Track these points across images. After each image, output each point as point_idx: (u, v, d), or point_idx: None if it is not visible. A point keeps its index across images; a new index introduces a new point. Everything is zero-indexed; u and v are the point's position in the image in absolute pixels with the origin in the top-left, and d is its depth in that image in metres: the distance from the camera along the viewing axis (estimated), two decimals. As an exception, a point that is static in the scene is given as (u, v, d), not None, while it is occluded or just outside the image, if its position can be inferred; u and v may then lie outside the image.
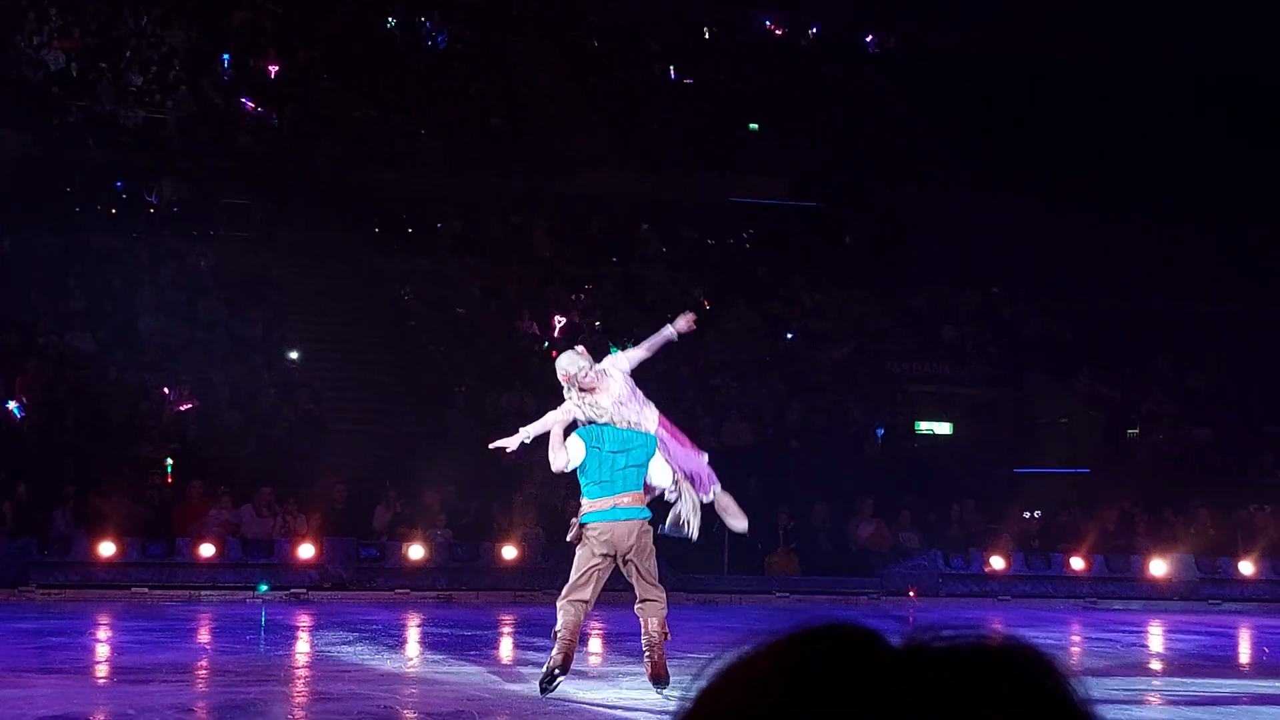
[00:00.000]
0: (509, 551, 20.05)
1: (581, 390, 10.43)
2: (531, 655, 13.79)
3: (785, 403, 25.30)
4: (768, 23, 36.15)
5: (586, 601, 10.43)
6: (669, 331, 10.81)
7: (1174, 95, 33.61)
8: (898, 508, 22.66)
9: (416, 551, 19.79)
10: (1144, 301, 29.68)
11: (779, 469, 22.95)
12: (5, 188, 25.79)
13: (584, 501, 10.44)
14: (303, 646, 14.96)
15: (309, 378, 24.15)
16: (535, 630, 15.87)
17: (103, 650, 14.46)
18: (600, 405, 10.40)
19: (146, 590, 18.77)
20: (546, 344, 25.59)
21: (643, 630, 10.47)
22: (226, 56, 29.88)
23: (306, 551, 19.48)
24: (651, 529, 10.54)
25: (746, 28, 35.85)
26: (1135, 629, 18.30)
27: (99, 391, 21.84)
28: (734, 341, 27.03)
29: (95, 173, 27.06)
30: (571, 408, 10.52)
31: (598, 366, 10.56)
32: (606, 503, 10.31)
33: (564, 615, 10.39)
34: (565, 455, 10.33)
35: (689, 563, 21.11)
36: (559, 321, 26.36)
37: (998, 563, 21.70)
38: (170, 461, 20.66)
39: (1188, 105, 33.23)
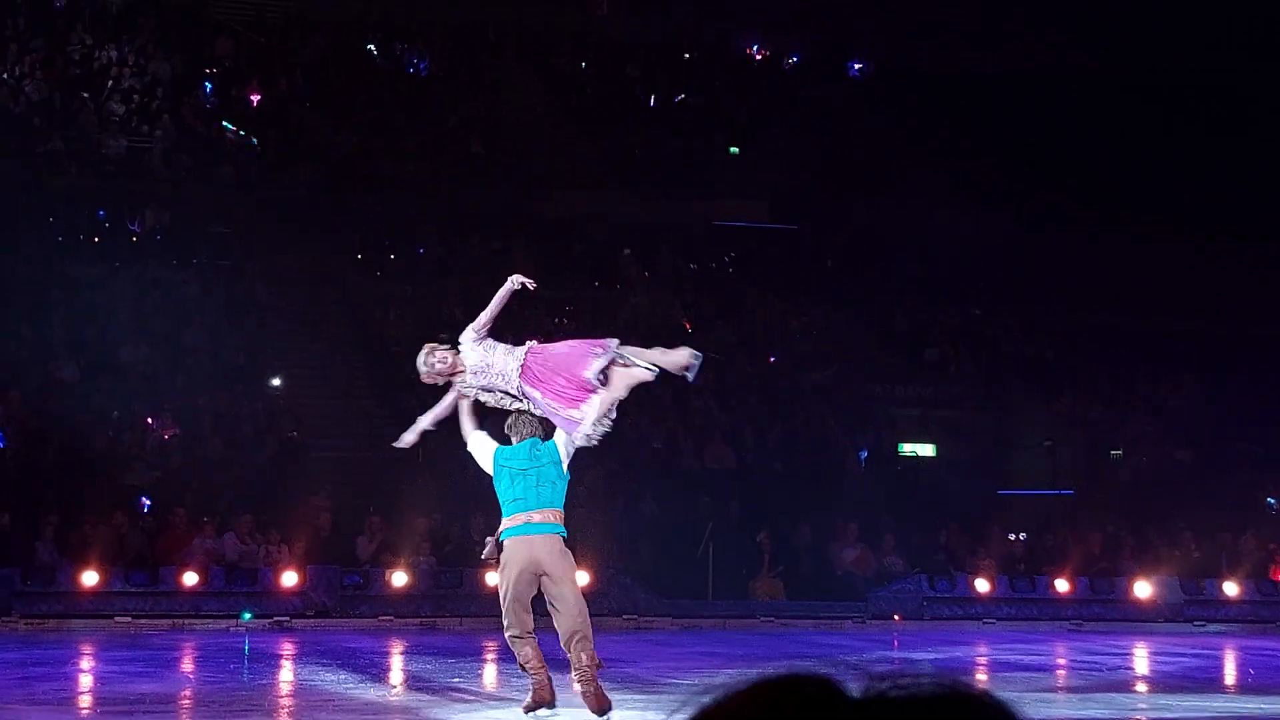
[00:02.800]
0: (493, 578, 19.96)
1: (451, 378, 10.45)
2: (516, 682, 13.75)
3: (767, 425, 25.32)
4: (750, 48, 36.22)
5: (528, 630, 10.32)
6: (506, 286, 10.65)
7: (1154, 114, 33.72)
8: (882, 531, 22.68)
9: (400, 578, 19.76)
10: (1125, 321, 29.74)
11: (761, 492, 22.96)
12: (-13, 217, 25.77)
13: (503, 520, 10.51)
14: (286, 675, 14.93)
15: (291, 404, 24.12)
16: (520, 657, 15.85)
17: (87, 680, 14.41)
18: (467, 381, 10.43)
19: (130, 619, 18.71)
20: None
21: (573, 665, 10.31)
22: (209, 85, 29.89)
23: (290, 579, 19.43)
24: (569, 550, 10.45)
25: (727, 51, 35.93)
26: (1120, 651, 18.31)
27: (82, 420, 21.78)
28: (715, 364, 27.03)
29: (77, 201, 27.03)
30: (461, 392, 10.57)
31: (445, 350, 10.51)
32: (520, 519, 10.31)
33: (517, 650, 10.42)
34: (474, 441, 10.59)
35: (673, 588, 21.13)
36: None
37: (982, 586, 21.72)
38: (147, 501, 20.56)
39: (1168, 123, 33.34)
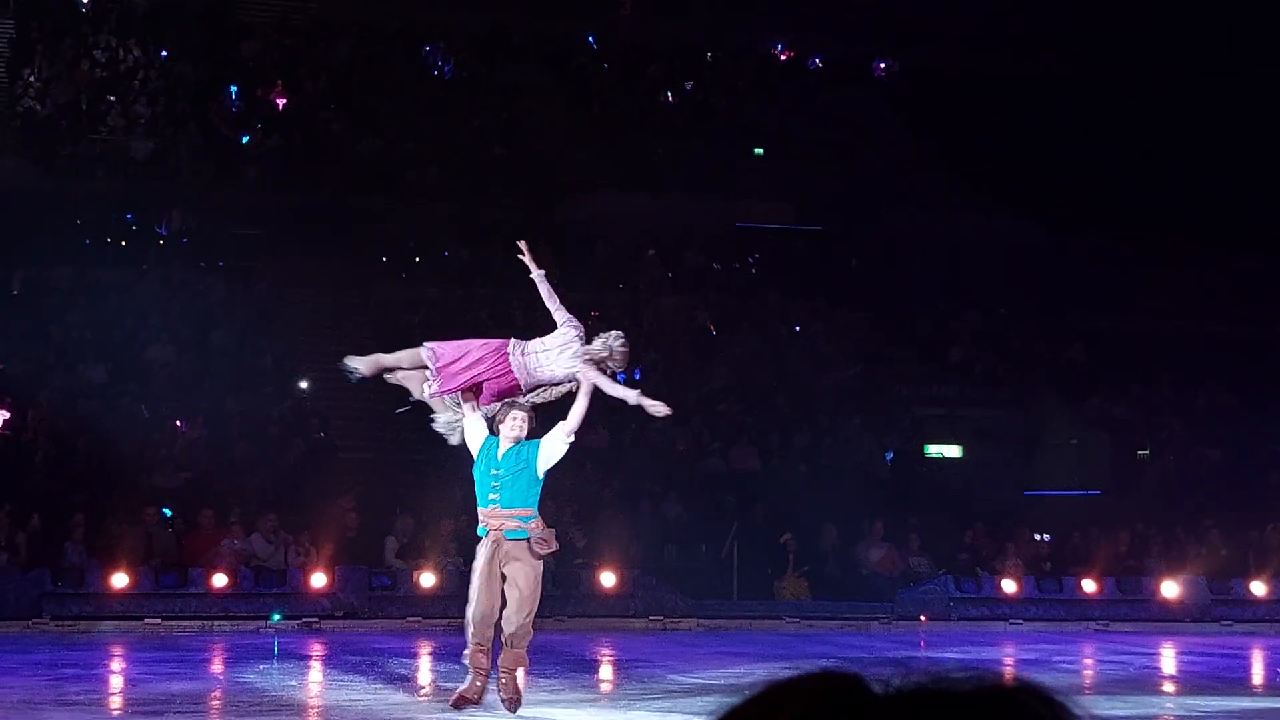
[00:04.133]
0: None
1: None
2: (544, 682, 13.82)
3: (792, 427, 25.32)
4: (774, 49, 36.23)
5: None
6: (536, 275, 12.03)
7: (1181, 117, 33.66)
8: (908, 531, 22.65)
9: (428, 579, 19.81)
10: (1151, 322, 29.68)
11: (787, 494, 22.96)
12: (16, 220, 25.91)
13: (537, 514, 11.37)
14: (315, 676, 14.99)
15: (319, 407, 24.20)
16: (545, 658, 15.89)
17: (116, 682, 14.50)
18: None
19: (159, 621, 18.80)
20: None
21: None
22: (234, 88, 30.01)
23: (319, 580, 19.50)
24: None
25: (750, 53, 35.94)
26: (1148, 651, 18.29)
27: (110, 422, 21.90)
28: (740, 366, 27.06)
29: (105, 205, 27.17)
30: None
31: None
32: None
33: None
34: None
35: (698, 588, 21.16)
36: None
37: (1009, 586, 21.68)
38: (168, 511, 20.63)
39: (1197, 127, 33.27)
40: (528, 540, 10.95)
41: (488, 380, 11.12)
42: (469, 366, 11.11)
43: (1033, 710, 1.31)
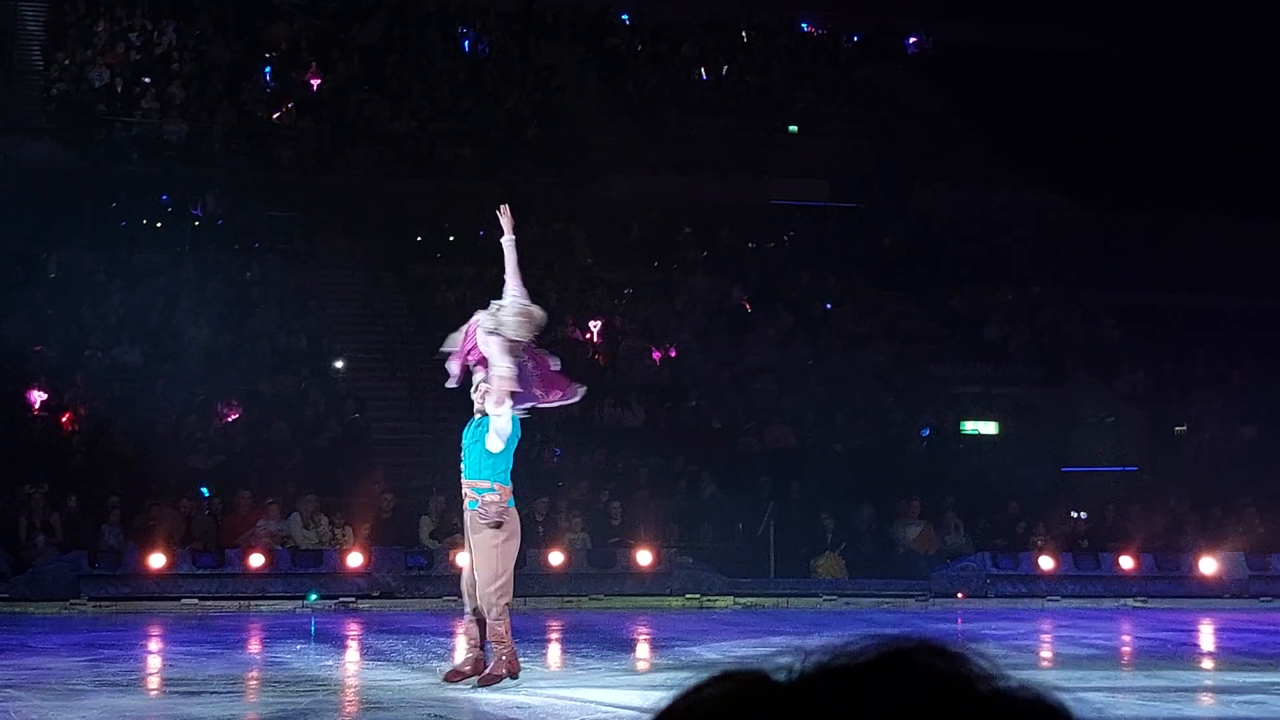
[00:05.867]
0: (555, 557, 20.08)
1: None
2: (579, 661, 13.84)
3: (828, 406, 25.26)
4: (805, 26, 36.09)
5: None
6: (506, 240, 11.53)
7: (1217, 90, 33.42)
8: (944, 509, 22.58)
9: (463, 559, 19.79)
10: (1187, 298, 29.51)
11: (823, 472, 22.92)
12: (51, 203, 26.04)
13: (501, 488, 11.43)
14: (352, 656, 15.03)
15: (354, 388, 24.25)
16: (582, 636, 15.92)
17: (154, 662, 14.55)
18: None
19: (196, 601, 18.88)
20: (592, 352, 25.65)
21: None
22: (268, 69, 30.05)
23: (355, 560, 19.55)
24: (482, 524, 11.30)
25: (785, 29, 35.82)
26: (1185, 627, 18.19)
27: (146, 404, 21.99)
28: (775, 345, 27.00)
29: (140, 187, 27.26)
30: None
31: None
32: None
33: (506, 619, 11.33)
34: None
35: (735, 567, 21.14)
36: (595, 326, 26.40)
37: (1046, 563, 21.59)
38: (206, 490, 20.72)
39: (1234, 102, 33.02)
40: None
41: (471, 354, 11.37)
42: (461, 350, 11.41)
43: (935, 668, 1.30)
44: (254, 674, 13.19)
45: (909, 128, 33.19)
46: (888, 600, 20.70)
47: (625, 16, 34.96)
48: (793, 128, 32.90)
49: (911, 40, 35.83)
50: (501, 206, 11.59)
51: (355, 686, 12.59)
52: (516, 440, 11.46)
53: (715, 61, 34.09)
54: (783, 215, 31.42)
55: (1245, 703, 11.37)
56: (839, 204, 31.74)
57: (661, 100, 32.55)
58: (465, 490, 11.36)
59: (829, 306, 28.57)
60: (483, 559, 11.13)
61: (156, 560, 18.91)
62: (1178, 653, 15.41)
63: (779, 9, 35.66)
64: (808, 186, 31.86)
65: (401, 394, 24.79)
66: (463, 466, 11.34)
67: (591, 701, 10.91)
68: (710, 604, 20.16)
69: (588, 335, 26.17)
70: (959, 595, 21.10)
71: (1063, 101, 33.44)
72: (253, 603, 19.05)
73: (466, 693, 11.56)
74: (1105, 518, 23.39)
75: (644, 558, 20.44)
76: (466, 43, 32.60)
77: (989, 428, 26.86)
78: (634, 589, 20.31)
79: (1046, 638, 17.19)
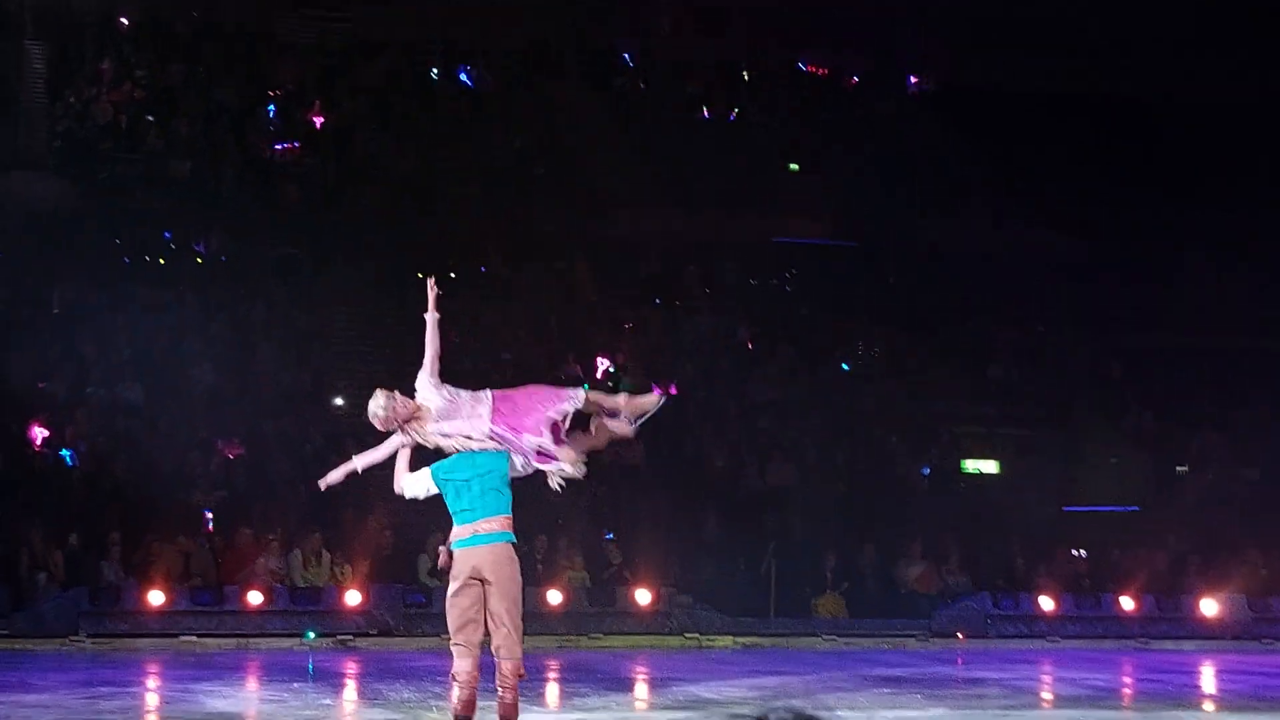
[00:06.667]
0: (554, 596, 20.06)
1: (406, 424, 10.29)
2: (578, 700, 13.81)
3: (830, 443, 25.25)
4: (806, 66, 36.20)
5: (472, 642, 10.08)
6: (431, 314, 10.60)
7: (1224, 133, 33.44)
8: (945, 548, 22.55)
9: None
10: (1192, 338, 29.48)
11: (824, 511, 22.90)
12: (55, 239, 26.12)
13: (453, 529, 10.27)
14: (350, 694, 15.01)
15: (356, 424, 24.22)
16: (581, 676, 15.88)
17: (153, 700, 14.54)
18: (425, 432, 10.28)
19: (195, 639, 18.87)
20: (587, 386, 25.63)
21: (497, 672, 10.21)
22: (272, 108, 30.15)
23: (354, 598, 19.55)
24: (517, 557, 10.33)
25: (788, 69, 35.93)
26: (1187, 669, 18.14)
27: (148, 441, 22.01)
28: (778, 382, 27.01)
29: (144, 224, 27.33)
30: (408, 439, 10.37)
31: (402, 398, 10.34)
32: (467, 530, 10.20)
33: (456, 660, 10.20)
34: (409, 483, 10.24)
35: (735, 606, 21.10)
36: (600, 364, 26.45)
37: (1047, 604, 21.56)
38: (210, 515, 20.76)
39: (1238, 143, 33.04)
40: None
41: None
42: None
43: None
44: (252, 712, 13.18)
45: (913, 166, 33.24)
46: (888, 640, 20.66)
47: (630, 56, 35.08)
48: (794, 166, 32.97)
49: (914, 79, 35.92)
50: (429, 281, 10.68)
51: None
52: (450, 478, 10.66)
53: (719, 101, 34.19)
54: (786, 252, 31.46)
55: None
56: (842, 242, 31.78)
57: (666, 139, 32.64)
58: (488, 526, 10.17)
59: (832, 344, 28.51)
60: (513, 596, 10.48)
61: (156, 597, 18.92)
62: (1179, 695, 15.36)
63: (782, 49, 35.77)
64: (811, 224, 31.90)
65: (403, 432, 24.75)
66: (465, 508, 10.15)
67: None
68: (710, 643, 20.14)
69: (578, 371, 26.20)
70: (959, 635, 21.06)
71: (1069, 140, 33.48)
72: (251, 640, 19.04)
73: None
74: (1107, 558, 23.36)
75: (643, 596, 20.41)
76: (465, 76, 32.69)
77: (991, 467, 26.84)
78: (634, 628, 20.29)
79: (1047, 679, 17.15)
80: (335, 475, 10.48)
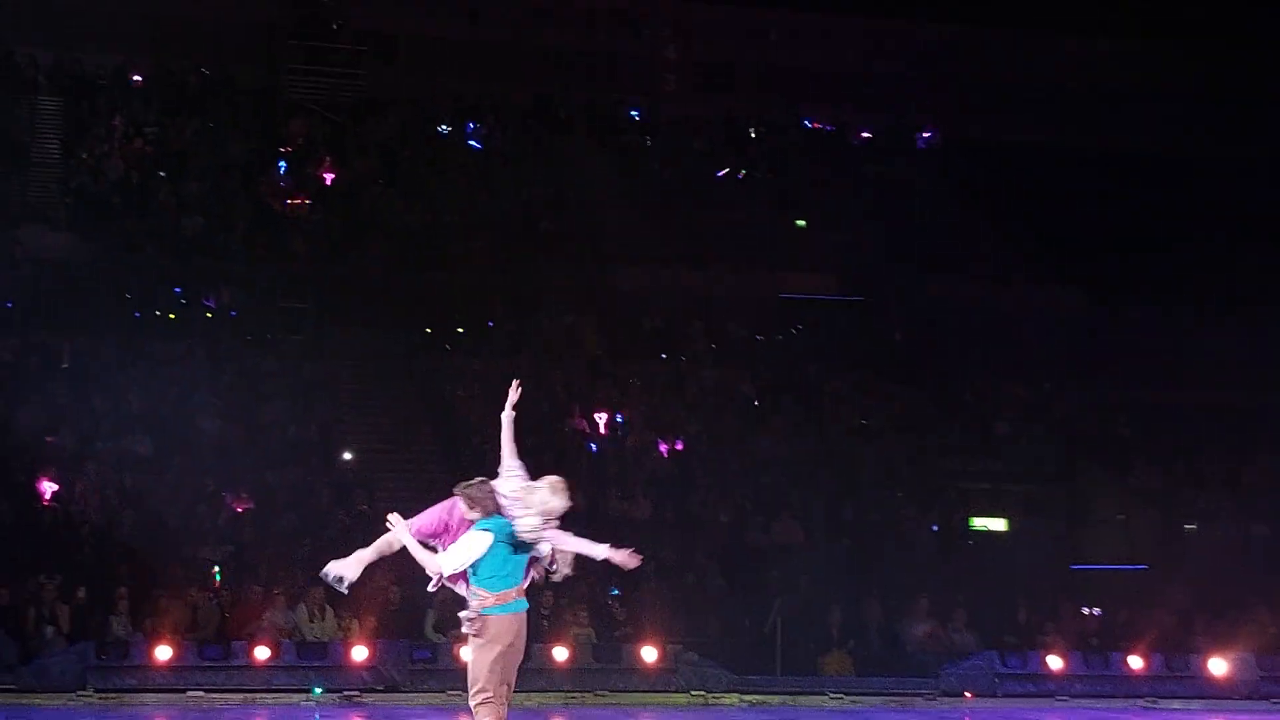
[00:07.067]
0: (560, 653, 20.02)
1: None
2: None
3: (836, 500, 25.24)
4: (812, 123, 36.38)
5: (500, 699, 10.19)
6: (506, 415, 10.74)
7: (1230, 188, 33.56)
8: (952, 606, 22.49)
9: (468, 653, 19.73)
10: (1199, 394, 29.48)
11: (831, 567, 22.86)
12: (66, 292, 26.25)
13: (482, 594, 10.20)
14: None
15: (363, 478, 24.28)
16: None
17: (158, 756, 14.51)
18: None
19: (203, 694, 18.83)
20: (594, 445, 25.71)
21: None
22: (283, 164, 30.34)
23: (360, 654, 19.51)
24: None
25: (794, 125, 36.11)
26: (1195, 729, 18.07)
27: (157, 494, 22.04)
28: (783, 438, 27.02)
29: (154, 278, 27.46)
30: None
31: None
32: (512, 594, 10.23)
33: (487, 713, 10.23)
34: (463, 555, 10.16)
35: (741, 663, 21.03)
36: (600, 419, 26.48)
37: (1055, 662, 21.47)
38: (217, 569, 20.76)
39: (1244, 199, 33.16)
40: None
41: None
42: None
43: None
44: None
45: (919, 222, 33.36)
46: (896, 699, 20.57)
47: (637, 112, 35.30)
48: (801, 222, 33.09)
49: (924, 137, 36.08)
50: (514, 383, 10.79)
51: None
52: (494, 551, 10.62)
53: (726, 157, 34.37)
54: (792, 308, 31.52)
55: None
56: (848, 297, 31.86)
57: (672, 194, 32.79)
58: (520, 594, 10.41)
59: (838, 400, 28.53)
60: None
61: (163, 652, 18.89)
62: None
63: (789, 106, 35.98)
64: (817, 280, 32.00)
65: (410, 486, 24.80)
66: (510, 573, 10.28)
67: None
68: (716, 701, 20.06)
69: (583, 426, 26.26)
70: (966, 695, 20.97)
71: (1075, 197, 33.62)
72: (258, 695, 19.00)
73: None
74: (1116, 616, 23.29)
75: (649, 654, 20.36)
76: (473, 140, 32.91)
77: (998, 524, 26.80)
78: (640, 685, 20.22)
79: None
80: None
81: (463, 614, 10.28)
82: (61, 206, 28.79)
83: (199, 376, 25.24)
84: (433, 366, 27.64)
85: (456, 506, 10.38)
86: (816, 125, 36.55)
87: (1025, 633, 22.41)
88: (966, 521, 26.37)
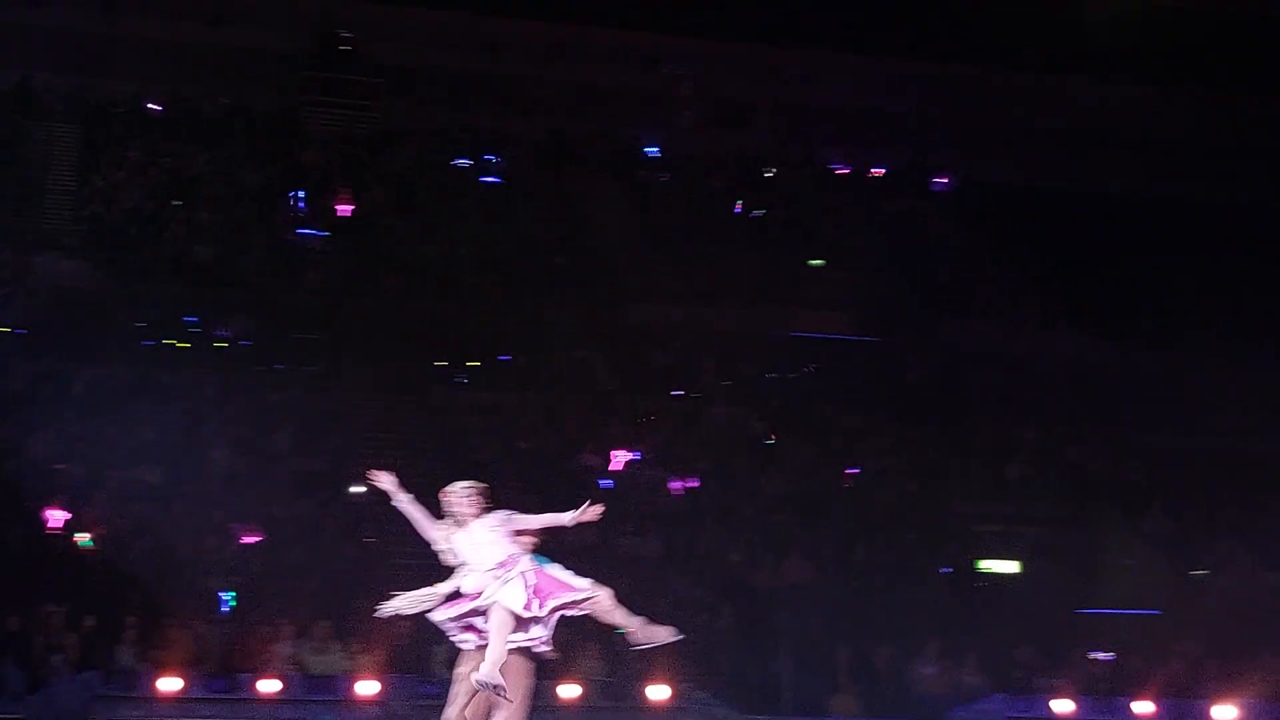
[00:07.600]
0: (570, 690, 19.90)
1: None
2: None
3: (847, 541, 25.15)
4: (832, 162, 36.42)
5: None
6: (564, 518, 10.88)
7: (1246, 234, 33.54)
8: (962, 649, 22.38)
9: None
10: (1212, 440, 29.40)
11: (841, 608, 22.77)
12: (78, 321, 26.25)
13: None
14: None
15: (372, 511, 24.19)
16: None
17: (164, 788, 14.44)
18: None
19: (209, 726, 18.75)
20: (609, 481, 25.66)
21: None
22: (299, 194, 30.40)
23: (368, 688, 19.41)
24: None
25: (810, 164, 36.15)
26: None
27: (165, 524, 21.99)
28: (794, 476, 26.96)
29: (168, 307, 27.48)
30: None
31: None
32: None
33: None
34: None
35: (750, 703, 20.93)
36: (615, 456, 26.43)
37: (1064, 706, 21.33)
38: (231, 595, 20.73)
39: (1261, 244, 33.14)
40: None
41: None
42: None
43: None
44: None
45: (934, 263, 33.36)
46: (903, 741, 20.47)
47: (652, 149, 35.36)
48: (816, 261, 33.10)
49: (939, 181, 36.12)
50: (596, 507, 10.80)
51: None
52: None
53: (741, 195, 34.40)
54: (805, 347, 31.49)
55: None
56: (862, 337, 31.83)
57: (687, 231, 32.82)
58: None
59: (850, 440, 28.47)
60: None
61: (170, 683, 18.81)
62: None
63: (805, 144, 36.03)
64: (831, 319, 31.98)
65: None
66: None
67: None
68: (725, 740, 19.96)
69: (594, 462, 26.20)
70: (976, 738, 20.86)
71: (1090, 240, 33.61)
72: (265, 729, 18.91)
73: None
74: (1126, 661, 23.17)
75: (658, 692, 20.24)
76: (487, 172, 33.02)
77: (1010, 567, 26.69)
78: (650, 725, 20.12)
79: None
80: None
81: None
82: (75, 234, 28.85)
83: (209, 406, 25.23)
84: (444, 400, 27.60)
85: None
86: (833, 164, 36.60)
87: (1035, 676, 22.29)
88: (977, 564, 26.26)
